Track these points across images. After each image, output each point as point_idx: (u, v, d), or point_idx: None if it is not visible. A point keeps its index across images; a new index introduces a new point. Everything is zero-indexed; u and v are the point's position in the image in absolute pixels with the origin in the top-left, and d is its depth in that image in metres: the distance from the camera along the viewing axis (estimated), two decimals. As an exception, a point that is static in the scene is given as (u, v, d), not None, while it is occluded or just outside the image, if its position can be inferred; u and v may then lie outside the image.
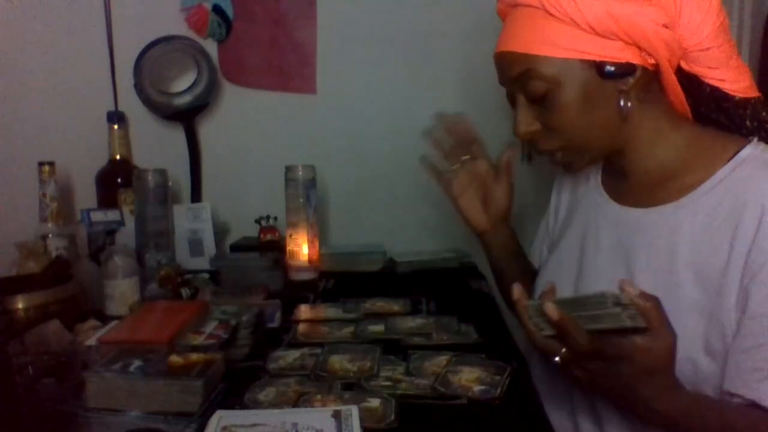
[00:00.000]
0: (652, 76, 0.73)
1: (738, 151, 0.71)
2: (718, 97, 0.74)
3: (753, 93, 0.74)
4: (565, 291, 0.82)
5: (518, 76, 0.74)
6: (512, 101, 0.79)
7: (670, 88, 0.74)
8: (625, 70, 0.71)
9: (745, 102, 0.74)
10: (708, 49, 0.71)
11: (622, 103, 0.72)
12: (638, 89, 0.72)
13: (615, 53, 0.70)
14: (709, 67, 0.72)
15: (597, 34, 0.69)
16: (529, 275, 1.00)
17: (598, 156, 0.80)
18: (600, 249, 0.82)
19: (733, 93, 0.73)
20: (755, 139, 0.73)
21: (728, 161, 0.71)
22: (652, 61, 0.71)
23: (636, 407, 0.68)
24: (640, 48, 0.70)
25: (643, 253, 0.75)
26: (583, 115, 0.73)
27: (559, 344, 0.65)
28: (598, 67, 0.71)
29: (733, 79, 0.73)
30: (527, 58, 0.72)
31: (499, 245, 1.06)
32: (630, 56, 0.70)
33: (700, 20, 0.69)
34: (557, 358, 0.65)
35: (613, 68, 0.70)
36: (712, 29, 0.70)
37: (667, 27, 0.69)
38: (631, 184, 0.80)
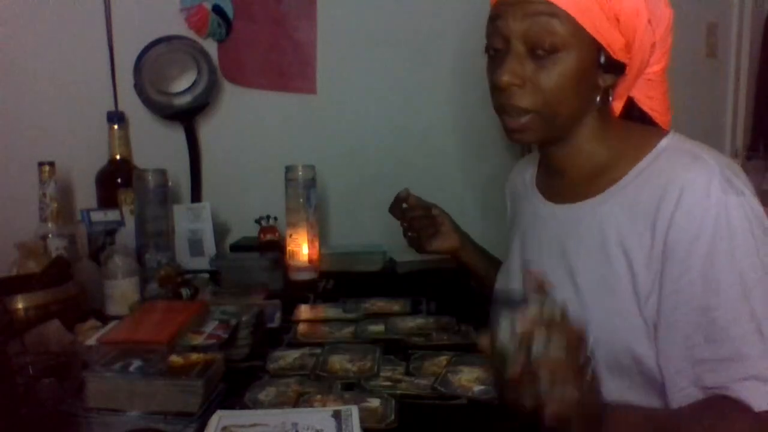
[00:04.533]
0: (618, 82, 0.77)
1: (658, 143, 0.75)
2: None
3: (668, 129, 0.80)
4: None
5: (537, 14, 0.70)
6: (493, 51, 0.77)
7: (622, 98, 0.79)
8: (615, 68, 0.74)
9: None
10: (653, 80, 0.78)
11: (598, 98, 0.75)
12: (607, 90, 0.75)
13: (618, 49, 0.72)
14: (647, 96, 0.80)
15: (616, 23, 0.70)
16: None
17: (556, 134, 0.78)
18: (541, 250, 0.83)
19: (658, 123, 0.81)
20: (672, 132, 0.77)
21: (649, 153, 0.74)
22: (627, 69, 0.74)
23: None
24: (630, 53, 0.73)
25: (578, 246, 0.76)
26: (570, 88, 0.73)
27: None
28: (599, 53, 0.72)
29: (662, 112, 0.81)
30: (551, 7, 0.70)
31: (472, 252, 1.11)
32: (623, 57, 0.73)
33: (662, 54, 0.76)
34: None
35: (609, 62, 0.72)
36: (665, 65, 0.78)
37: (652, 47, 0.74)
38: (564, 182, 0.82)
